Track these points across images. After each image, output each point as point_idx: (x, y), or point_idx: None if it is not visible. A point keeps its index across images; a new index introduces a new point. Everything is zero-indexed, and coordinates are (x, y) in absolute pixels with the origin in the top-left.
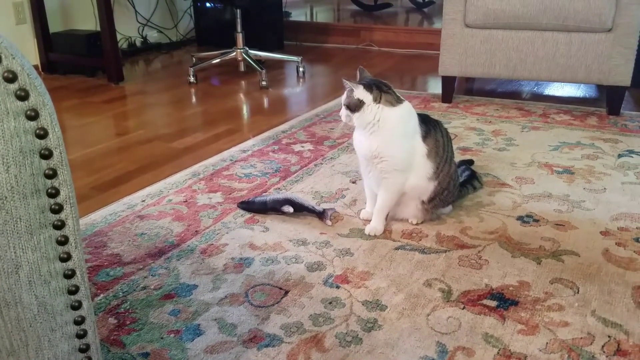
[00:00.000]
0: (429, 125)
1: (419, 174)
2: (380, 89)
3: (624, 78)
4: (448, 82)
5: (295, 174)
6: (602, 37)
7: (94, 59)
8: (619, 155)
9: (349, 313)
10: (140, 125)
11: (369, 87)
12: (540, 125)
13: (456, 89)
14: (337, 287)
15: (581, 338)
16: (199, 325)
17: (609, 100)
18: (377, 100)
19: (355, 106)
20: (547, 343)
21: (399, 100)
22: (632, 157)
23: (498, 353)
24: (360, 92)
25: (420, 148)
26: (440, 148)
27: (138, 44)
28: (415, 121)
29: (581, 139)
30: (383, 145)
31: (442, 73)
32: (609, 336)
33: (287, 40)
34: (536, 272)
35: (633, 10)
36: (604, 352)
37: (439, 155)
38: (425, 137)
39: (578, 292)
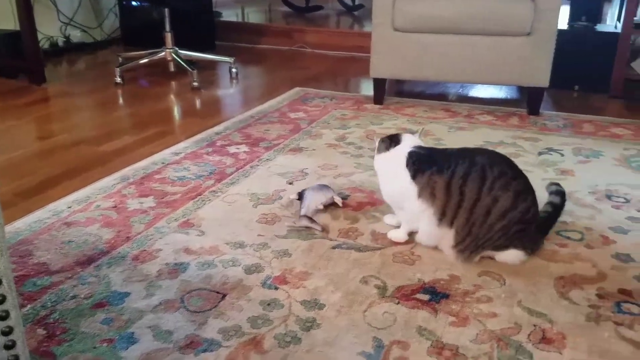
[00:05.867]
0: (450, 163)
1: (422, 219)
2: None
3: (543, 79)
4: (379, 84)
5: (231, 176)
6: (523, 41)
7: (14, 60)
8: (539, 153)
9: (287, 313)
10: (65, 128)
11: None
12: (466, 126)
13: (387, 90)
14: (276, 288)
15: (509, 328)
16: (132, 333)
17: (530, 101)
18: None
19: None
20: (477, 334)
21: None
22: (552, 154)
23: (431, 345)
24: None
25: (410, 190)
26: (439, 191)
27: (60, 43)
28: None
29: (504, 138)
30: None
31: (373, 75)
32: (534, 325)
33: (220, 40)
34: (465, 266)
35: (550, 16)
36: (530, 340)
37: (438, 198)
38: (414, 177)
39: (505, 284)
